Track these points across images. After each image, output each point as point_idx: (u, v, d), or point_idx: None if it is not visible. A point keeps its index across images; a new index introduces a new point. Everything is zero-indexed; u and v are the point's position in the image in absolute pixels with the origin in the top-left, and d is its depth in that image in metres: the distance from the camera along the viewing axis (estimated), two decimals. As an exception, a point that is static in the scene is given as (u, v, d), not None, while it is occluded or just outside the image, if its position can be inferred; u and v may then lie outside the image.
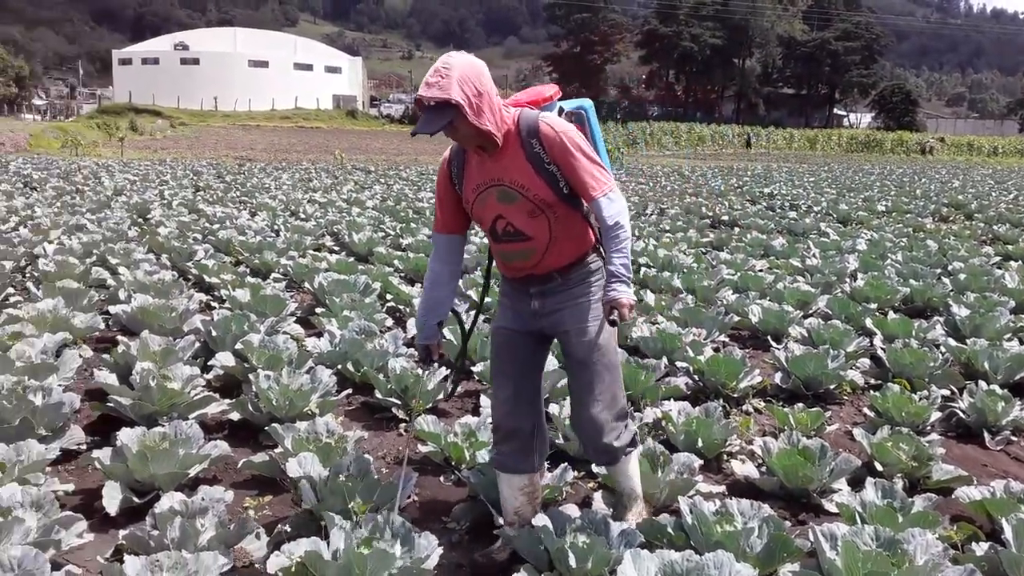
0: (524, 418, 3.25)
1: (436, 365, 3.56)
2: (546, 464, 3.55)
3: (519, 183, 2.98)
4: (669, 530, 3.25)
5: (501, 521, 3.41)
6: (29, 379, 4.29)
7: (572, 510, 3.33)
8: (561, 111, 3.23)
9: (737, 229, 12.62)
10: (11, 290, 7.21)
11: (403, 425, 4.68)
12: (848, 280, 8.33)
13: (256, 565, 3.14)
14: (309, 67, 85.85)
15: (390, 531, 3.03)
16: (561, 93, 3.28)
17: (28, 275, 7.92)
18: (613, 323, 2.95)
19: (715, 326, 6.17)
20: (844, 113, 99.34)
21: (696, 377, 5.24)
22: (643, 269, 8.53)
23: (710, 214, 14.48)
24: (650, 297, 7.14)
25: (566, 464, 3.71)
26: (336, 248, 10.24)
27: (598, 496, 3.68)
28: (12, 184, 16.62)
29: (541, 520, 3.13)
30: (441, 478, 4.04)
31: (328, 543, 2.93)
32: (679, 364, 5.37)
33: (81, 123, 51.14)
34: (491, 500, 3.50)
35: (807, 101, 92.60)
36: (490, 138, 2.91)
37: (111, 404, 4.34)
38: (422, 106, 2.83)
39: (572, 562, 2.92)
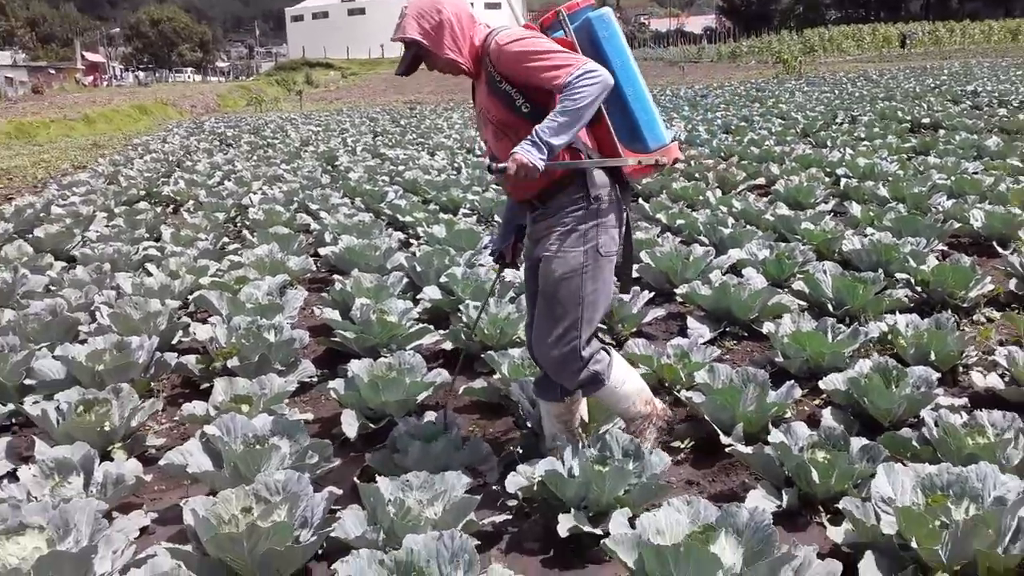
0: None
1: (511, 267, 3.46)
2: (579, 394, 3.22)
3: (484, 106, 2.94)
4: (914, 443, 3.08)
5: (728, 440, 3.34)
6: (261, 319, 4.57)
7: (802, 428, 3.20)
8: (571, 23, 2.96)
9: (942, 132, 11.66)
10: (226, 239, 7.72)
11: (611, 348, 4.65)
12: (1080, 177, 7.52)
13: (491, 485, 3.23)
14: (470, 5, 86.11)
15: (620, 448, 3.04)
16: (592, 3, 3.01)
17: (240, 223, 8.45)
18: (490, 169, 2.81)
19: (933, 234, 5.73)
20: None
21: (919, 288, 4.90)
22: (843, 180, 8.06)
23: (908, 118, 13.45)
24: (855, 208, 6.73)
25: (792, 382, 3.56)
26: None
27: (826, 413, 3.53)
28: (210, 142, 17.78)
29: (777, 437, 3.04)
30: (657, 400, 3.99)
31: (562, 462, 2.97)
32: (898, 275, 5.04)
33: (261, 81, 53.93)
34: (715, 420, 3.43)
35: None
36: (456, 66, 2.89)
37: (336, 338, 4.57)
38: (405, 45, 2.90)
39: (815, 477, 2.82)
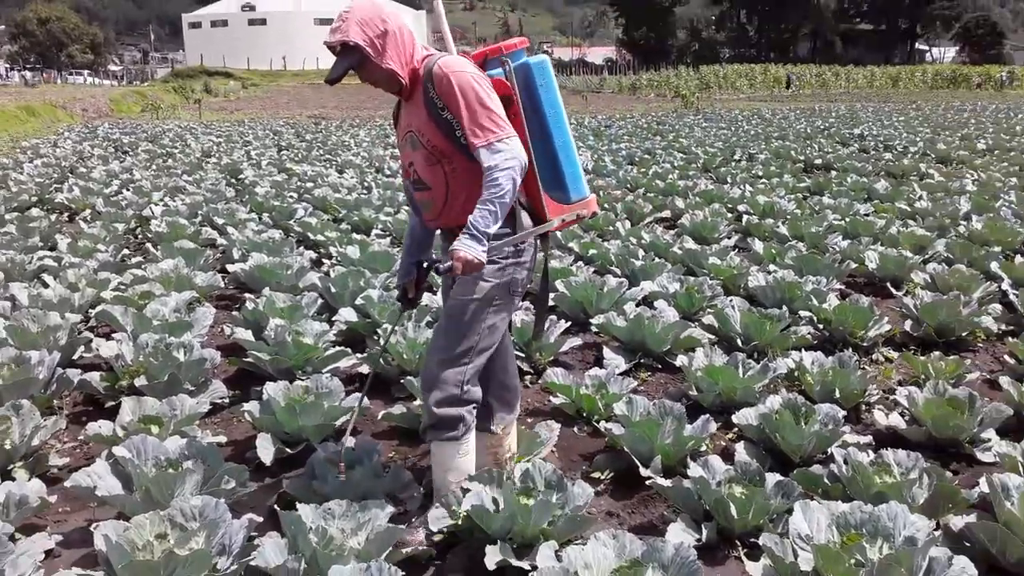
0: None
1: (413, 306, 3.34)
2: (507, 425, 3.26)
3: (419, 129, 2.86)
4: (825, 480, 3.21)
5: (647, 472, 3.41)
6: (169, 336, 4.42)
7: (718, 462, 3.29)
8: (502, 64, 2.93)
9: (834, 173, 12.25)
10: (126, 251, 7.43)
11: (528, 377, 4.69)
12: (962, 223, 8.03)
13: (413, 514, 3.20)
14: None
15: (542, 480, 3.06)
16: (527, 45, 3.02)
17: (141, 235, 8.15)
18: (437, 271, 2.78)
19: (832, 273, 6.01)
20: (926, 48, 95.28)
21: (821, 326, 5.13)
22: (745, 217, 8.36)
23: (801, 158, 14.08)
24: (758, 245, 7.00)
25: (707, 416, 3.67)
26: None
27: (740, 447, 3.64)
28: (104, 149, 17.09)
29: (696, 471, 3.12)
30: (575, 429, 4.05)
31: (487, 491, 2.97)
32: (802, 313, 5.26)
33: (157, 87, 52.16)
34: (635, 452, 3.50)
35: (887, 37, 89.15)
36: (395, 78, 2.82)
37: (249, 359, 4.46)
38: (332, 53, 2.78)
39: (733, 512, 2.91)
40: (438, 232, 3.17)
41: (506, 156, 2.68)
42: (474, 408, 3.00)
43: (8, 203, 9.43)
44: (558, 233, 7.66)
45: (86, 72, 73.62)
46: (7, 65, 76.77)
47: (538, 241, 3.10)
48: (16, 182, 11.07)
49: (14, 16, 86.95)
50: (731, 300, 5.43)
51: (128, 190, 10.51)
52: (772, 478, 3.10)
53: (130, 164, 13.86)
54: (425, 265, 3.01)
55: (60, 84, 58.78)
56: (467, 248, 2.67)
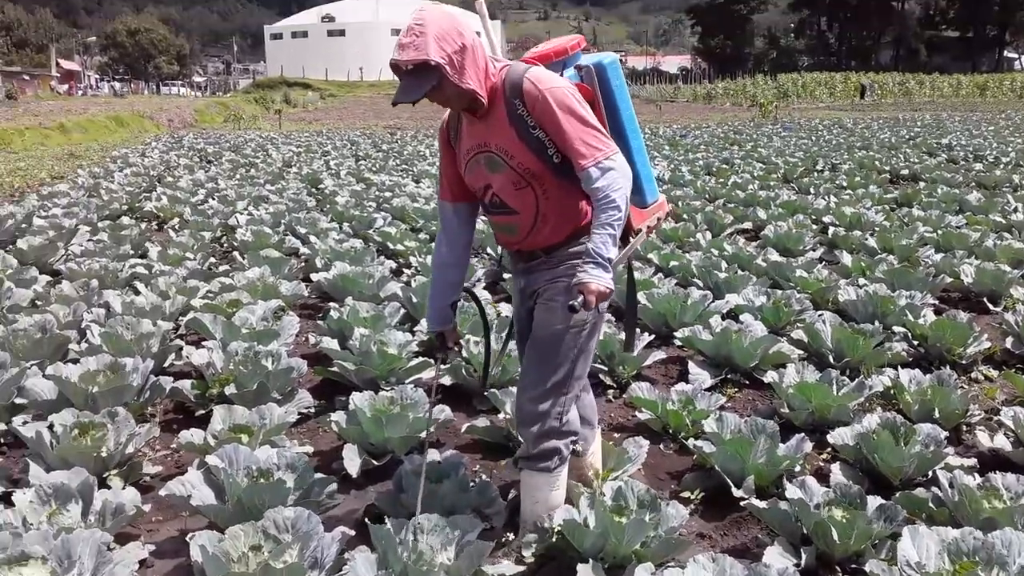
0: None
1: (454, 353, 3.23)
2: (590, 443, 3.23)
3: (504, 149, 2.66)
4: (930, 504, 3.07)
5: (740, 493, 3.31)
6: (257, 345, 4.48)
7: (815, 484, 3.18)
8: (565, 67, 2.84)
9: (922, 184, 11.87)
10: (212, 260, 7.61)
11: (610, 392, 4.63)
12: (1063, 236, 7.67)
13: (498, 529, 3.16)
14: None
15: (635, 499, 2.99)
16: (584, 44, 2.90)
17: (227, 244, 8.34)
18: (572, 309, 2.52)
19: (925, 288, 5.80)
20: (1016, 56, 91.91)
21: (916, 343, 4.94)
22: (831, 228, 8.14)
23: (887, 168, 13.69)
24: (846, 258, 6.80)
25: (803, 435, 3.54)
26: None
27: (835, 468, 3.52)
28: (190, 158, 17.60)
29: (794, 493, 3.02)
30: (661, 446, 3.96)
31: (577, 509, 2.92)
32: (896, 329, 5.07)
33: (239, 98, 53.66)
34: (726, 471, 3.40)
35: (973, 44, 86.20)
36: (474, 98, 2.59)
37: (334, 369, 4.49)
38: (399, 71, 2.50)
39: (835, 536, 2.79)
40: (502, 248, 2.99)
41: (617, 175, 2.56)
42: (573, 440, 2.93)
43: (100, 211, 9.76)
44: (638, 247, 7.58)
45: (179, 83, 76.29)
46: (97, 76, 79.92)
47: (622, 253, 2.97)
48: (107, 191, 11.46)
49: (104, 28, 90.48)
50: (820, 315, 5.28)
51: (214, 199, 10.78)
52: (874, 501, 2.98)
53: (215, 173, 14.24)
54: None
55: (150, 95, 60.90)
56: (596, 279, 2.52)
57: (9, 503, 3.05)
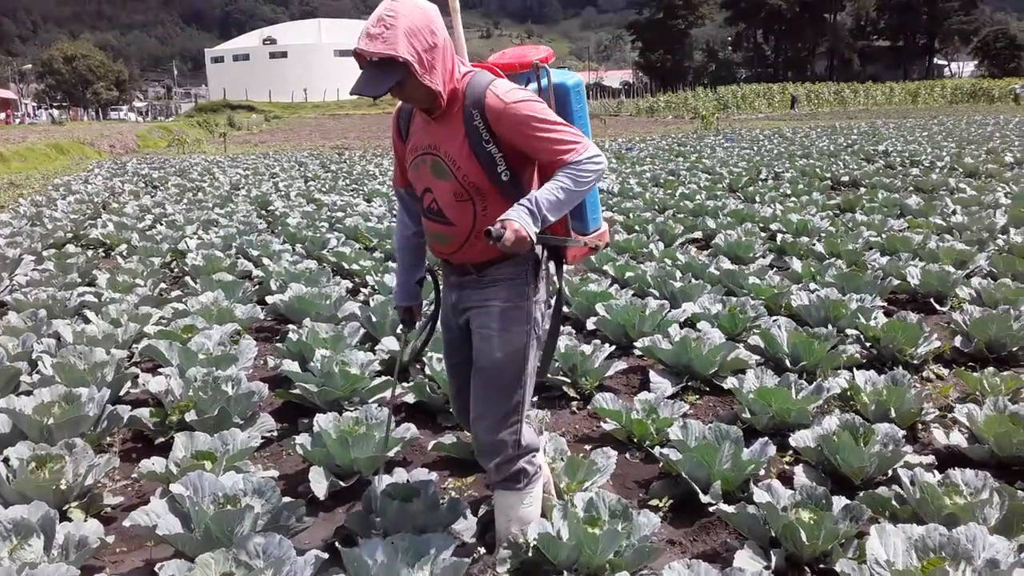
0: (468, 423, 2.98)
1: (417, 328, 3.17)
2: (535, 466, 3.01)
3: (452, 158, 2.56)
4: (893, 503, 3.14)
5: (707, 499, 3.35)
6: (216, 370, 4.42)
7: (780, 486, 3.23)
8: (529, 83, 2.76)
9: (862, 189, 12.16)
10: (163, 286, 7.48)
11: (574, 403, 4.65)
12: (1000, 236, 7.93)
13: (467, 546, 3.16)
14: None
15: (607, 510, 3.01)
16: (553, 58, 2.80)
17: (177, 269, 8.21)
18: (488, 234, 2.38)
19: (874, 290, 5.94)
20: (944, 63, 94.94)
21: (869, 344, 5.06)
22: (779, 235, 8.31)
23: (828, 175, 14.01)
24: (796, 264, 6.94)
25: (766, 439, 3.60)
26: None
27: (798, 470, 3.57)
28: (135, 184, 17.29)
29: (762, 496, 3.06)
30: (627, 455, 3.99)
31: (551, 522, 2.93)
32: (848, 331, 5.18)
33: (181, 122, 52.95)
34: (693, 477, 3.44)
35: (904, 53, 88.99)
36: (435, 100, 2.49)
37: (296, 391, 4.44)
38: (363, 61, 2.40)
39: (804, 538, 2.84)
40: (443, 264, 2.89)
41: (595, 157, 2.49)
42: (534, 456, 2.90)
43: (45, 240, 9.54)
44: (591, 257, 7.65)
45: (124, 108, 75.22)
46: (35, 104, 78.19)
47: (553, 274, 2.88)
48: (51, 219, 11.20)
49: (40, 55, 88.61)
50: (775, 320, 5.37)
51: (161, 224, 10.61)
52: (839, 501, 3.04)
53: (161, 199, 14.01)
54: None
55: (90, 122, 59.78)
56: (522, 220, 2.37)
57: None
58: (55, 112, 68.44)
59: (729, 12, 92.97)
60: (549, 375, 4.77)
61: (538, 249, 2.69)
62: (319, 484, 3.55)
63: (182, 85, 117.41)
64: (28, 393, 4.15)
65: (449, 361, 3.06)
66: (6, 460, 3.47)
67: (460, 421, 3.14)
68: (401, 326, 3.17)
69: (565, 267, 2.93)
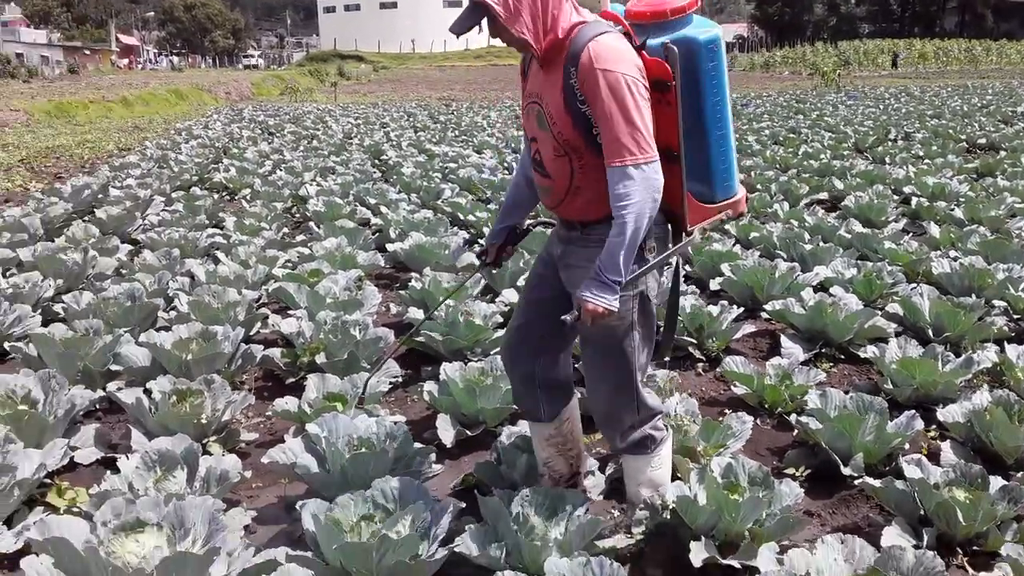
0: (520, 359, 2.84)
1: (492, 268, 3.08)
2: (574, 415, 2.99)
3: (550, 111, 2.45)
4: (1060, 487, 2.93)
5: (849, 471, 3.21)
6: (344, 314, 4.47)
7: (929, 463, 3.05)
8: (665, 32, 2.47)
9: (1002, 153, 11.44)
10: (285, 230, 7.64)
11: (700, 365, 4.53)
12: None
13: (597, 500, 3.11)
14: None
15: (746, 476, 2.91)
16: (696, 6, 2.49)
17: (299, 214, 8.38)
18: (563, 322, 2.39)
19: (1022, 260, 5.56)
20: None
21: (1017, 317, 4.75)
22: (913, 199, 7.89)
23: (963, 137, 13.24)
24: (934, 229, 6.58)
25: (913, 412, 3.41)
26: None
27: (945, 447, 3.38)
28: (252, 130, 17.75)
29: (913, 472, 2.90)
30: (758, 421, 3.85)
31: (688, 485, 2.85)
32: (995, 303, 4.88)
33: (294, 71, 54.03)
34: (834, 448, 3.29)
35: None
36: (527, 47, 2.40)
37: (421, 339, 4.46)
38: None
39: (960, 518, 2.68)
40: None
41: (639, 186, 2.31)
42: (657, 419, 2.77)
43: (172, 182, 9.88)
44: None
45: (256, 55, 77.72)
46: (156, 50, 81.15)
47: (672, 239, 2.65)
48: (176, 162, 11.60)
49: (162, 3, 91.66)
50: (913, 287, 5.11)
51: (281, 170, 10.84)
52: (996, 482, 2.86)
53: (279, 145, 14.34)
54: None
55: (208, 69, 61.69)
56: (595, 298, 2.35)
57: (113, 468, 3.08)
58: (175, 59, 70.86)
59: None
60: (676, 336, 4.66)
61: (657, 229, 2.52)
62: (446, 432, 3.57)
63: (294, 35, 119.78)
64: (167, 328, 4.29)
65: (529, 296, 2.88)
66: (148, 392, 3.60)
67: (506, 360, 2.94)
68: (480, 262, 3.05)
69: (698, 237, 2.69)
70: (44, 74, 43.21)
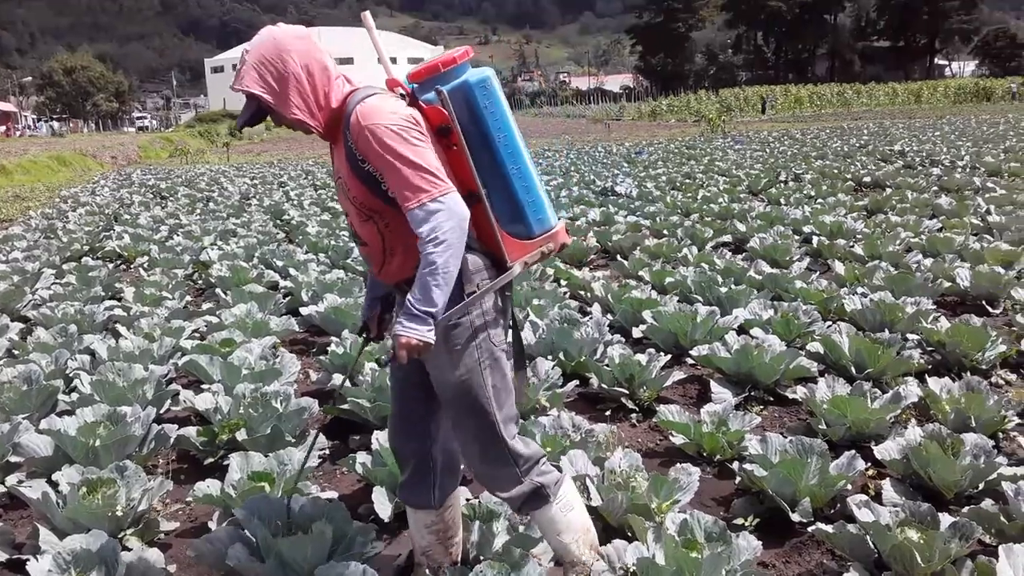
0: (408, 441, 2.78)
1: (377, 341, 2.99)
2: (456, 502, 2.92)
3: (345, 180, 2.48)
4: (1001, 519, 2.97)
5: (797, 517, 3.19)
6: (262, 385, 4.25)
7: (877, 504, 3.05)
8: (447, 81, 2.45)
9: (888, 190, 11.99)
10: (189, 298, 7.31)
11: (633, 416, 4.48)
12: (1044, 236, 7.76)
13: (549, 567, 2.98)
14: (392, 60, 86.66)
15: (702, 532, 2.84)
16: (470, 55, 2.51)
17: (202, 281, 8.04)
18: (379, 363, 2.35)
19: (926, 293, 5.78)
20: (945, 63, 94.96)
21: (931, 349, 4.89)
22: (814, 238, 8.14)
23: (848, 176, 13.86)
24: (839, 267, 6.78)
25: (853, 452, 3.42)
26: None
27: (886, 485, 3.40)
28: (143, 195, 17.14)
29: (865, 515, 2.89)
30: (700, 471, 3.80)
31: (645, 545, 2.76)
32: (909, 336, 5.01)
33: (182, 132, 52.80)
34: (780, 494, 3.27)
35: (905, 53, 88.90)
36: (305, 127, 2.42)
37: (347, 406, 4.27)
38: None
39: (918, 559, 2.67)
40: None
41: (444, 217, 2.29)
42: (540, 463, 2.65)
43: (62, 253, 9.38)
44: (624, 262, 7.50)
45: (145, 115, 76.19)
46: (35, 116, 78.24)
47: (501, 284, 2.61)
48: (65, 231, 11.05)
49: (40, 67, 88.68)
50: (828, 326, 5.22)
51: (178, 235, 10.45)
52: (946, 519, 2.87)
53: (173, 209, 13.87)
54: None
55: (90, 134, 59.75)
56: (407, 331, 2.31)
57: (22, 573, 2.79)
58: (55, 124, 68.39)
59: (729, 14, 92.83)
60: (604, 386, 4.61)
61: (471, 261, 2.47)
62: (383, 507, 3.39)
63: (181, 96, 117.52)
64: (69, 412, 3.99)
65: (395, 377, 2.81)
66: (55, 485, 3.31)
67: (395, 448, 2.86)
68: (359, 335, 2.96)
69: (518, 270, 2.62)
70: (-88, 144, 40.95)
